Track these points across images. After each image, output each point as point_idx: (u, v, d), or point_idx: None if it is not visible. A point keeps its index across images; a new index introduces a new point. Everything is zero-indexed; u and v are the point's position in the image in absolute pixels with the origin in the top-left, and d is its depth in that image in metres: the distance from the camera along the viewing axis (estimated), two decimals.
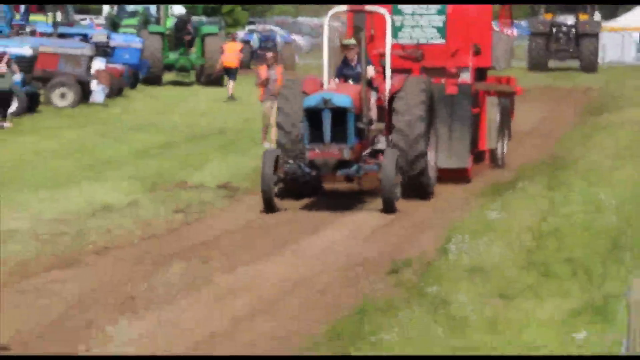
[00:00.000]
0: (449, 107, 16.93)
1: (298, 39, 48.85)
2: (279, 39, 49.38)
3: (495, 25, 18.86)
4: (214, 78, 36.48)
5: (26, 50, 25.69)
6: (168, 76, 38.03)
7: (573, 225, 12.23)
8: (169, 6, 38.68)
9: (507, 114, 19.68)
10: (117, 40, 33.51)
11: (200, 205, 15.06)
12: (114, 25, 37.78)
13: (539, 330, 8.58)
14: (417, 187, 15.52)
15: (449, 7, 17.81)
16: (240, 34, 42.97)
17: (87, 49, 28.47)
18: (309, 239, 13.13)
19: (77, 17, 47.66)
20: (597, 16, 46.66)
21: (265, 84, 20.81)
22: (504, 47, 19.79)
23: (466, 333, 8.58)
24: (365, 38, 15.32)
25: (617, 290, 9.52)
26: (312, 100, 14.75)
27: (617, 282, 9.85)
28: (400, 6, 17.86)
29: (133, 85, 33.39)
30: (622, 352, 6.37)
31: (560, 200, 13.95)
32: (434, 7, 17.82)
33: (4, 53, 23.41)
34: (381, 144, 15.39)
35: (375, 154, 15.27)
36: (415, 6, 17.88)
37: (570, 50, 45.05)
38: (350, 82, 15.56)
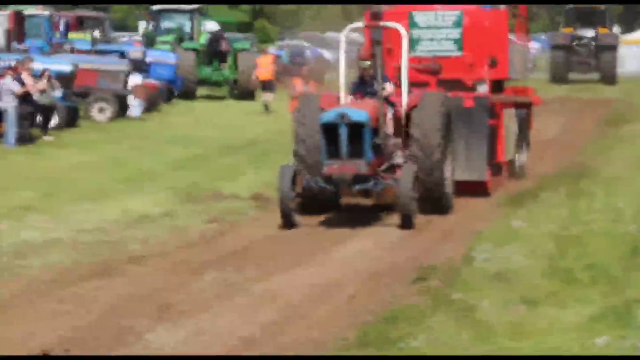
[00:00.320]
0: (466, 120, 16.63)
1: (325, 53, 48.78)
2: (308, 54, 49.46)
3: (511, 36, 18.82)
4: (247, 92, 36.88)
5: (66, 67, 25.89)
6: (202, 90, 38.07)
7: (594, 233, 12.36)
8: (203, 22, 39.11)
9: (525, 125, 19.44)
10: (152, 56, 33.70)
11: (233, 215, 15.24)
12: (150, 42, 38.22)
13: (562, 335, 8.71)
14: (434, 200, 15.27)
15: (465, 19, 17.66)
16: (271, 49, 43.15)
17: (124, 65, 28.71)
18: (337, 248, 13.24)
19: (115, 34, 48.22)
20: (616, 29, 46.60)
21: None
22: (519, 56, 19.47)
23: (491, 339, 8.72)
24: (381, 52, 15.19)
25: (637, 295, 9.72)
26: (329, 116, 14.58)
27: (638, 288, 10.03)
28: (416, 18, 17.73)
29: (168, 100, 33.58)
30: None
31: (581, 209, 14.07)
32: (451, 20, 17.68)
33: (45, 70, 23.59)
34: (398, 158, 15.21)
35: (393, 168, 15.09)
36: (432, 18, 17.74)
37: (591, 62, 45.02)
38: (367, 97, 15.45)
